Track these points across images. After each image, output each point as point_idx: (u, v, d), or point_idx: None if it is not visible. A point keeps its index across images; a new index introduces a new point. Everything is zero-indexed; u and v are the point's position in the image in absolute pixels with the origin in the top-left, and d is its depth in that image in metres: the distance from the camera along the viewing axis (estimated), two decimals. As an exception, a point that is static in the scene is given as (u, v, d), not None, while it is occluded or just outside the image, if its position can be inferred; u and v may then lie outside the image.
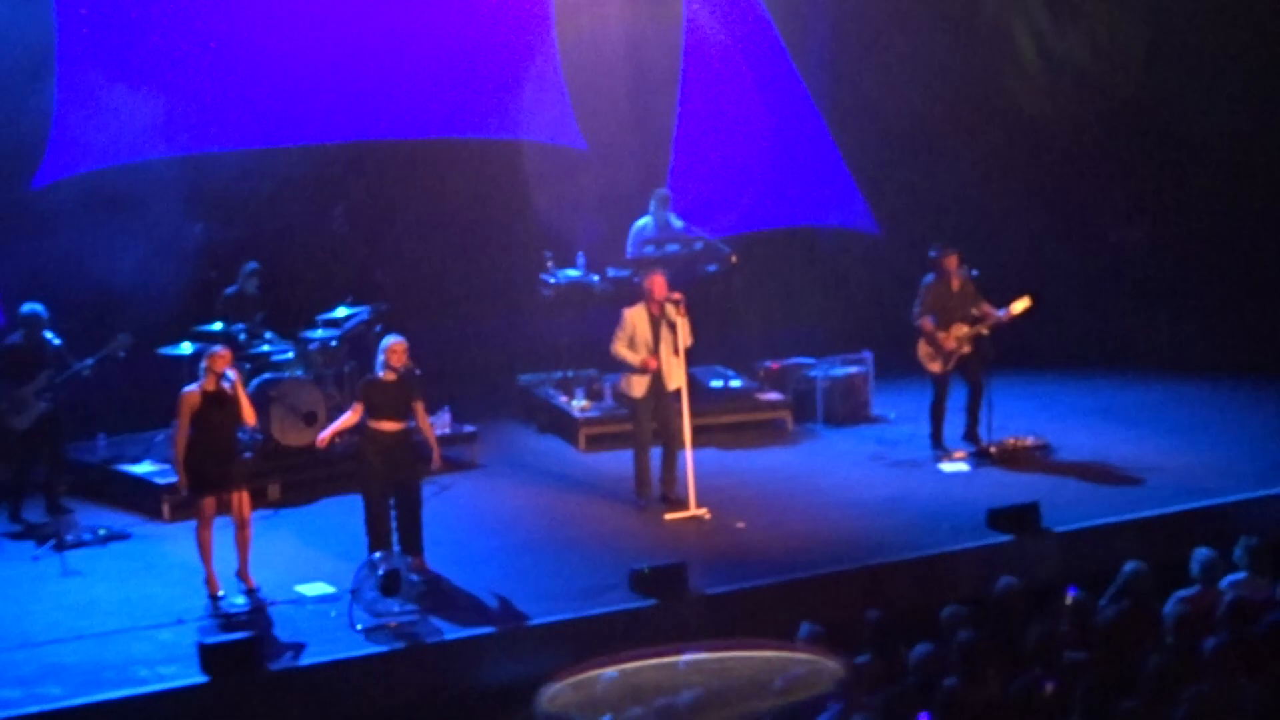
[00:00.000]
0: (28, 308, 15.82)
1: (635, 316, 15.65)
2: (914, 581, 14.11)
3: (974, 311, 16.84)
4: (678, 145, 20.46)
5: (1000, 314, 16.80)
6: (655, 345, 15.59)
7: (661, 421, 15.74)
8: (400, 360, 14.03)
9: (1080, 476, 16.38)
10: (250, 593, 13.68)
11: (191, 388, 13.80)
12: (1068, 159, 21.18)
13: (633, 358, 15.61)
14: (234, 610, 13.47)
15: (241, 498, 13.77)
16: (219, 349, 13.95)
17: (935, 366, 16.94)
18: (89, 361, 15.77)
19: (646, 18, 20.36)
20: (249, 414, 14.02)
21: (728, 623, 13.45)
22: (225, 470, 13.72)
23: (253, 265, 17.21)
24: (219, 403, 13.69)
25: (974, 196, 20.95)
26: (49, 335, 15.79)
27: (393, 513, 14.12)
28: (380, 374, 14.10)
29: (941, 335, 16.81)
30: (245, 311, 17.03)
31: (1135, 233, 21.24)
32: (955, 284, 16.85)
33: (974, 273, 16.92)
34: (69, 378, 15.75)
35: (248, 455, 15.48)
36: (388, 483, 14.06)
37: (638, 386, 15.67)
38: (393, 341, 14.16)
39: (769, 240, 20.45)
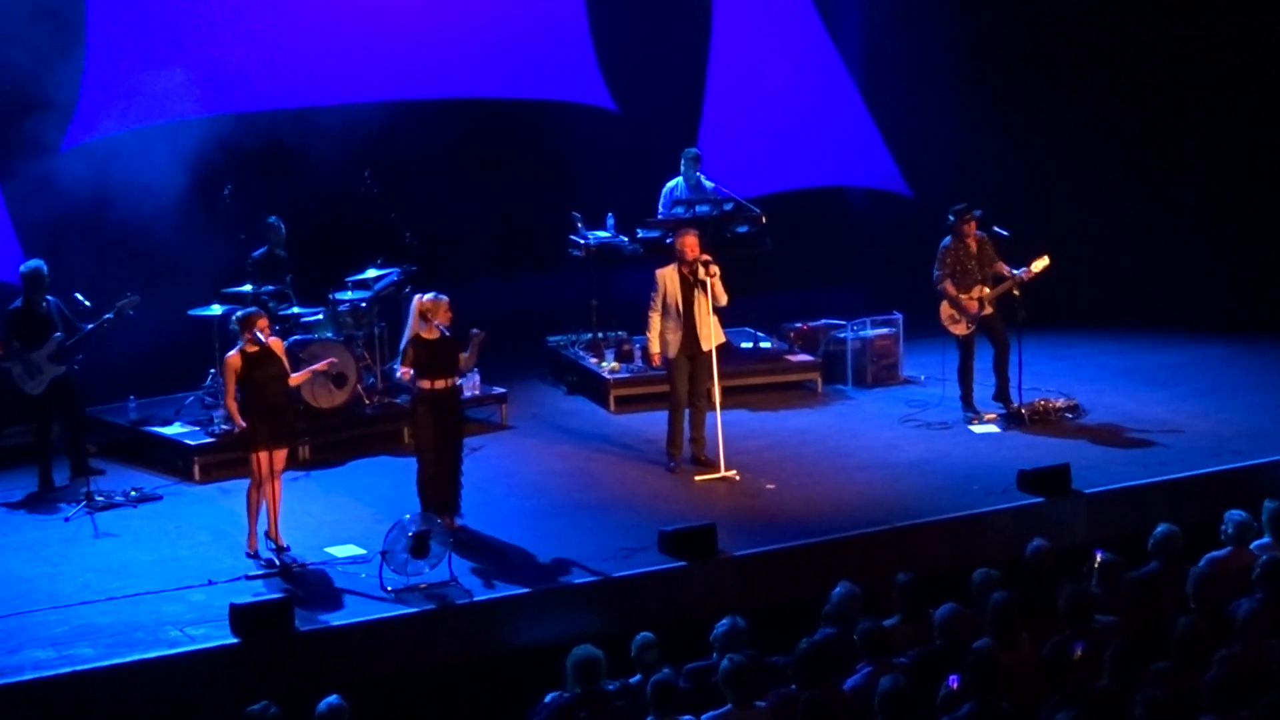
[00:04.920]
0: (28, 265, 15.48)
1: (667, 276, 15.62)
2: (944, 543, 14.10)
3: (992, 272, 16.81)
4: (708, 105, 20.39)
5: (1019, 273, 16.74)
6: (688, 305, 15.55)
7: (693, 382, 15.73)
8: (448, 318, 14.00)
9: (1111, 438, 16.33)
10: (280, 552, 13.71)
11: (232, 352, 13.82)
12: (1103, 119, 21.03)
13: (653, 340, 15.64)
14: (265, 571, 13.51)
15: (280, 453, 13.82)
16: (252, 310, 13.99)
17: (958, 329, 16.90)
18: (100, 321, 15.41)
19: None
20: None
21: (757, 585, 13.47)
22: (276, 427, 13.73)
23: (272, 219, 17.17)
24: (261, 362, 13.70)
25: (1008, 157, 20.81)
26: (50, 298, 15.44)
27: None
28: (421, 332, 14.04)
29: (964, 298, 16.77)
30: (274, 274, 17.01)
31: (1184, 193, 21.06)
32: (973, 246, 16.81)
33: (1004, 233, 16.90)
34: (80, 339, 15.48)
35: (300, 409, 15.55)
36: (439, 441, 14.07)
37: (671, 347, 15.66)
38: (437, 300, 14.05)
39: (799, 201, 20.38)
